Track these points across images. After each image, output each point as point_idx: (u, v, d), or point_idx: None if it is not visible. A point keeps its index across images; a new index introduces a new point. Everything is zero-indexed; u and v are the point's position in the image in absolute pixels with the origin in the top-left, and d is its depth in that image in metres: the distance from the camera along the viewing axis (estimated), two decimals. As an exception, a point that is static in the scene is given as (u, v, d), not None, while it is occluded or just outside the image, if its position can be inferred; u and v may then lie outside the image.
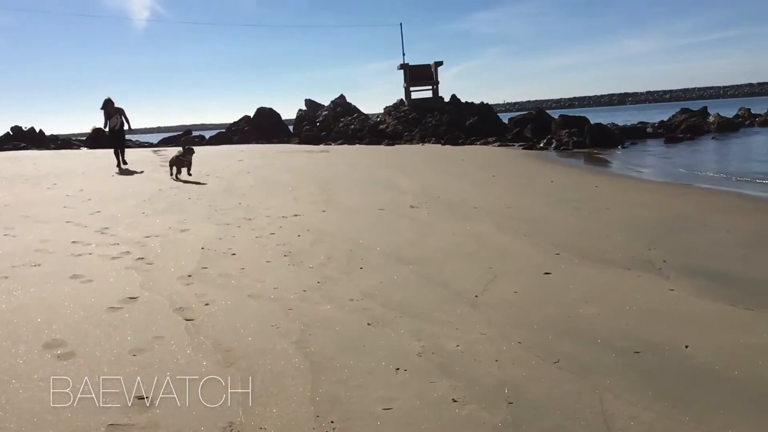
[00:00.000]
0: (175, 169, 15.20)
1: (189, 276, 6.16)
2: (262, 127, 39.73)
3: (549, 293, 5.54)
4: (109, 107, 17.92)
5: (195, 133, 43.57)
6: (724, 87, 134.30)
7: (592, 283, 5.84)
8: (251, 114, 41.63)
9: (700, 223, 8.70)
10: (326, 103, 42.57)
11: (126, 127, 18.31)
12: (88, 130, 34.48)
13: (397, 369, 3.88)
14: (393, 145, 32.44)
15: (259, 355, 4.16)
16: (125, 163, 18.48)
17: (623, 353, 4.05)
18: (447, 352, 4.14)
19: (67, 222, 9.17)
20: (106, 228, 8.64)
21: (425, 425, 3.16)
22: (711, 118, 34.93)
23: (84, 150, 30.98)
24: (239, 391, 3.61)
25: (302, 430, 3.15)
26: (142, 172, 16.91)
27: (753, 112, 38.69)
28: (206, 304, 5.25)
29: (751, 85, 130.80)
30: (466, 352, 4.14)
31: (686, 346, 4.13)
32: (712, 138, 28.14)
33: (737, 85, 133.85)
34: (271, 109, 41.71)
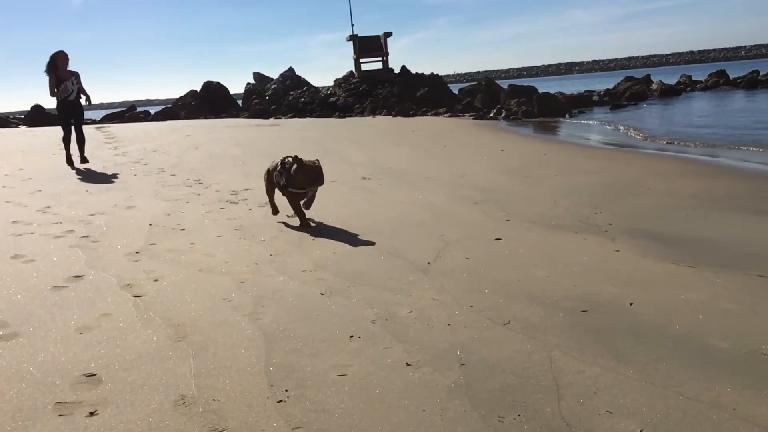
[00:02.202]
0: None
1: (137, 253, 6.02)
2: (210, 102, 38.87)
3: (499, 258, 5.62)
4: (59, 68, 11.96)
5: (140, 109, 42.31)
6: (666, 55, 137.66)
7: (541, 247, 5.95)
8: (198, 88, 40.62)
9: (644, 187, 8.95)
10: (275, 76, 41.84)
11: (84, 99, 12.45)
12: (27, 107, 33.03)
13: (351, 336, 3.89)
14: (344, 117, 32.20)
15: (211, 328, 4.11)
16: (85, 160, 12.68)
17: (571, 313, 4.15)
18: (400, 319, 4.17)
19: (7, 202, 8.82)
20: (48, 207, 8.35)
21: (379, 389, 3.19)
22: (654, 86, 35.90)
23: (23, 128, 29.75)
24: (191, 364, 3.57)
25: (256, 399, 3.13)
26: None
27: (693, 78, 39.89)
28: (155, 280, 5.15)
29: (692, 52, 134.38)
30: (419, 318, 4.18)
31: (631, 304, 4.26)
32: (655, 104, 28.84)
33: (679, 53, 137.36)
34: (218, 83, 40.78)
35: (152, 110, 41.28)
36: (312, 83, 41.47)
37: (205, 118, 35.70)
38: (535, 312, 4.17)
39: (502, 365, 3.40)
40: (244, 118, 34.97)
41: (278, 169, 7.12)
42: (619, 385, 3.12)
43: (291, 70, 41.93)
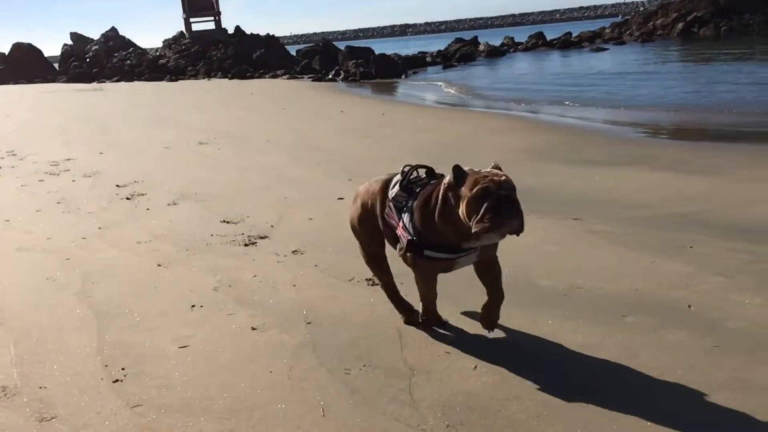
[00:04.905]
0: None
1: (-62, 235, 5.34)
2: (21, 66, 35.11)
3: (343, 218, 5.63)
4: None
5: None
6: (492, 17, 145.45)
7: (382, 203, 6.09)
8: (6, 51, 36.45)
9: (476, 143, 9.45)
10: (96, 37, 38.55)
11: None
12: None
13: (193, 306, 3.75)
14: (176, 80, 30.59)
15: (33, 311, 3.76)
16: None
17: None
18: (244, 283, 4.08)
19: None
20: None
21: (225, 356, 3.11)
22: (481, 47, 37.92)
23: None
24: (12, 352, 3.25)
25: (89, 382, 2.92)
26: None
27: (516, 40, 42.58)
28: (-37, 264, 4.60)
29: (513, 15, 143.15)
30: (264, 281, 4.11)
31: (466, 252, 4.49)
32: (483, 64, 30.45)
33: (502, 16, 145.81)
34: (30, 44, 36.85)
35: (-50, 75, 36.42)
36: (139, 44, 38.79)
37: (16, 83, 32.28)
38: (378, 266, 4.26)
39: (348, 320, 3.45)
40: (62, 82, 32.01)
41: (394, 195, 3.08)
42: (459, 327, 3.30)
43: (114, 30, 38.92)
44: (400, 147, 9.31)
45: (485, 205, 2.64)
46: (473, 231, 2.68)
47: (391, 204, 3.08)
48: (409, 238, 2.92)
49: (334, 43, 37.14)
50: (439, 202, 2.86)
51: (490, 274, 3.11)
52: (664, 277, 3.81)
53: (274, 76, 29.90)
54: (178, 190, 6.85)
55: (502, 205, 2.66)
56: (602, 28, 43.19)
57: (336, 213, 5.82)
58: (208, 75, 32.17)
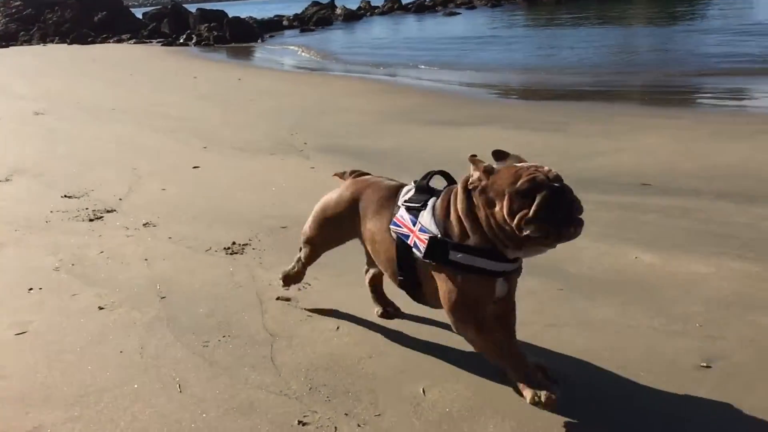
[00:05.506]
0: None
1: None
2: None
3: (199, 186, 5.43)
4: None
5: None
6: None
7: (240, 171, 5.90)
8: None
9: (335, 107, 9.40)
10: None
11: None
12: None
13: (30, 289, 3.42)
14: (7, 47, 27.79)
15: None
16: None
17: (271, 230, 4.20)
18: (89, 261, 3.79)
19: None
20: None
21: (69, 340, 2.87)
22: (338, 10, 37.64)
23: None
24: None
25: None
26: None
27: (372, 4, 42.74)
28: None
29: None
30: (112, 258, 3.84)
31: (327, 215, 4.46)
32: (341, 28, 30.31)
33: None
34: None
35: None
36: (-43, 6, 34.57)
37: None
38: (236, 234, 4.12)
39: (205, 292, 3.31)
40: None
41: (409, 198, 2.42)
42: (318, 291, 3.27)
43: (-75, -12, 34.34)
44: (258, 112, 9.06)
45: (538, 200, 1.99)
46: (524, 234, 2.02)
47: (402, 209, 2.38)
48: (430, 235, 2.23)
49: (184, 5, 35.24)
50: (460, 201, 2.20)
51: (507, 320, 2.36)
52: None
53: (120, 41, 27.94)
54: (11, 165, 6.23)
55: (561, 202, 2.02)
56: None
57: (191, 181, 5.57)
58: (44, 40, 29.43)
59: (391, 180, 2.70)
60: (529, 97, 10.74)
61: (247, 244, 3.96)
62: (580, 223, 2.04)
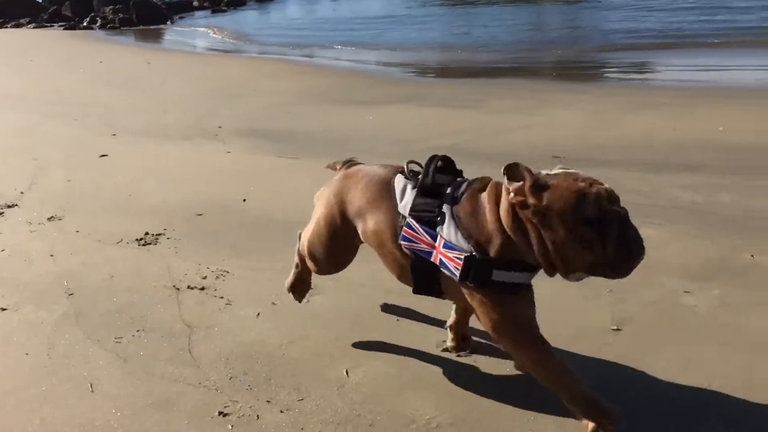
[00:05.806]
0: None
1: None
2: None
3: (107, 175, 5.19)
4: None
5: None
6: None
7: (152, 158, 5.68)
8: None
9: (250, 89, 9.18)
10: None
11: None
12: None
13: None
14: None
15: None
16: None
17: (187, 219, 4.06)
18: (-11, 260, 3.56)
19: None
20: None
21: (-33, 345, 2.69)
22: (252, -9, 36.59)
23: None
24: None
25: None
26: None
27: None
28: None
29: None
30: (14, 255, 3.62)
31: (244, 200, 4.36)
32: (254, 9, 29.64)
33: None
34: None
35: None
36: None
37: None
38: (149, 224, 3.96)
39: (117, 286, 3.17)
40: None
41: (414, 205, 2.05)
42: (238, 277, 3.19)
43: None
44: (169, 97, 8.74)
45: (609, 234, 1.77)
46: (595, 272, 1.83)
47: (410, 220, 2.02)
48: (465, 255, 1.91)
49: (86, -14, 33.43)
50: (505, 216, 1.90)
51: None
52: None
53: (18, 26, 26.29)
54: None
55: (629, 233, 1.80)
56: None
57: (99, 171, 5.31)
58: (-70, 25, 27.27)
59: (381, 167, 2.30)
60: (446, 75, 10.83)
61: (161, 234, 3.81)
62: (642, 256, 1.83)
